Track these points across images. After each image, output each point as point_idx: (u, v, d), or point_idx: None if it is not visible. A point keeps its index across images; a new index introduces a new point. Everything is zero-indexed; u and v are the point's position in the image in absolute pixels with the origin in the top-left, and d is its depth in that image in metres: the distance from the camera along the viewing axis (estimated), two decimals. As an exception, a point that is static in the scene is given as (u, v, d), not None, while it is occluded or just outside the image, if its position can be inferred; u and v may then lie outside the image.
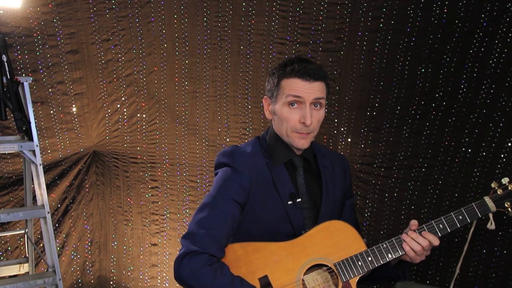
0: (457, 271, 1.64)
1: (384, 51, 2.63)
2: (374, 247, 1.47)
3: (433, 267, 2.59)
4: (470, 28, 2.38)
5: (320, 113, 1.55)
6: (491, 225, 1.55)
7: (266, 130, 1.67)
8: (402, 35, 2.57)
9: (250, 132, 3.02)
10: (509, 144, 2.32)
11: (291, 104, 1.51)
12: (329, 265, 1.45)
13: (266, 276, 1.43)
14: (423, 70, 2.55)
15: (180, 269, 1.39)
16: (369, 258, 1.45)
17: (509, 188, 1.52)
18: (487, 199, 1.51)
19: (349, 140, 2.81)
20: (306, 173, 1.61)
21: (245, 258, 1.46)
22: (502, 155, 2.34)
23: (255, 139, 1.67)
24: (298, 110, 1.51)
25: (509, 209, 1.51)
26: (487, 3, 2.31)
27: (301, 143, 1.54)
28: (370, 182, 2.75)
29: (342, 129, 2.82)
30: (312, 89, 1.50)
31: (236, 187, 1.51)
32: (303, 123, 1.50)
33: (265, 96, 1.62)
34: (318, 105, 1.54)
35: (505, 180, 1.53)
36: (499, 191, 1.52)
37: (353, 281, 1.44)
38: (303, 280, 1.44)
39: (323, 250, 1.46)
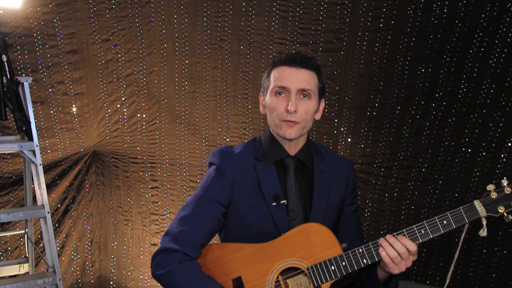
0: (448, 280, 1.52)
1: (384, 51, 2.63)
2: (349, 251, 1.41)
3: (433, 267, 2.59)
4: (470, 28, 2.38)
5: (310, 104, 1.52)
6: (483, 232, 1.40)
7: (264, 132, 1.67)
8: (402, 35, 2.57)
9: (250, 132, 3.02)
10: (509, 144, 2.32)
11: (278, 93, 1.52)
12: (302, 269, 1.43)
13: (239, 278, 1.43)
14: (423, 70, 2.55)
15: (154, 266, 1.43)
16: (343, 263, 1.40)
17: (506, 191, 1.37)
18: (476, 203, 1.38)
19: (349, 140, 2.81)
20: (299, 175, 1.59)
21: (222, 258, 1.47)
22: (502, 155, 2.34)
23: (250, 140, 1.66)
24: (284, 99, 1.50)
25: (505, 214, 1.37)
26: (487, 3, 2.31)
27: (288, 132, 1.51)
28: (370, 182, 2.75)
29: (342, 129, 2.82)
30: (298, 78, 1.49)
31: (219, 188, 1.52)
32: (288, 110, 1.48)
33: (260, 93, 1.63)
34: (307, 96, 1.52)
35: (504, 182, 1.39)
36: (493, 195, 1.38)
37: (326, 286, 1.41)
38: (285, 281, 1.44)
39: (298, 253, 1.43)
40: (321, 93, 1.58)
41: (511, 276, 2.35)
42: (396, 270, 1.40)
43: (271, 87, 1.53)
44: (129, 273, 3.28)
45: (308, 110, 1.51)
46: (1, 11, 2.50)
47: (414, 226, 1.40)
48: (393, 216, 2.71)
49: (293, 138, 1.52)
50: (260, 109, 1.63)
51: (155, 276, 1.43)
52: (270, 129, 1.60)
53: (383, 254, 1.39)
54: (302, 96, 1.51)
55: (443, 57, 2.47)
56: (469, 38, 2.39)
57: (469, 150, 2.45)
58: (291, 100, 1.48)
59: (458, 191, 2.49)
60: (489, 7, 2.31)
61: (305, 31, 2.79)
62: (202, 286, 1.36)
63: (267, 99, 1.55)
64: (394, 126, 2.65)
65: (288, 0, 2.77)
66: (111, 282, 3.30)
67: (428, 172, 2.58)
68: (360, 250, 1.41)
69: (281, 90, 1.50)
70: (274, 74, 1.53)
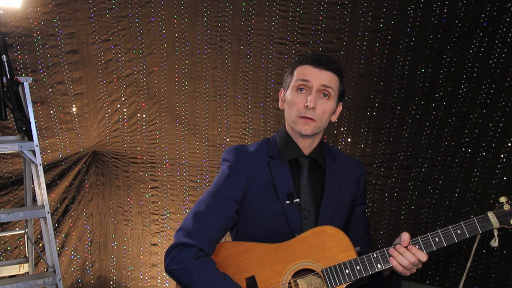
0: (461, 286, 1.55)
1: (384, 51, 2.63)
2: (364, 256, 1.44)
3: (433, 267, 2.59)
4: (470, 28, 2.38)
5: (328, 104, 1.54)
6: (495, 243, 1.45)
7: (279, 130, 1.68)
8: (402, 35, 2.57)
9: (250, 132, 3.02)
10: (509, 144, 2.32)
11: (299, 89, 1.55)
12: (317, 271, 1.43)
13: (253, 277, 1.44)
14: (423, 70, 2.55)
15: (168, 260, 1.44)
16: (358, 267, 1.42)
17: None
18: (490, 214, 1.42)
19: (349, 140, 2.81)
20: (312, 174, 1.60)
21: (235, 257, 1.47)
22: (502, 155, 2.34)
23: (264, 139, 1.69)
24: (305, 95, 1.53)
25: None
26: (487, 3, 2.31)
27: (304, 128, 1.53)
28: (370, 182, 2.75)
29: (342, 129, 2.82)
30: (321, 76, 1.53)
31: (233, 185, 1.54)
32: (307, 106, 1.51)
33: (281, 88, 1.67)
34: (327, 95, 1.54)
35: None
36: (506, 207, 1.42)
37: None
38: (296, 282, 1.44)
39: (312, 254, 1.44)
40: (341, 96, 1.61)
41: (511, 276, 2.35)
42: (408, 273, 1.44)
43: (293, 82, 1.56)
44: (129, 273, 3.28)
45: (325, 109, 1.54)
46: (1, 11, 2.50)
47: (428, 234, 1.43)
48: (393, 216, 2.71)
49: (308, 134, 1.55)
50: (279, 104, 1.67)
51: (169, 270, 1.44)
52: (286, 126, 1.63)
53: (394, 263, 1.42)
54: (322, 95, 1.54)
55: (443, 57, 2.48)
56: (469, 38, 2.39)
57: (469, 150, 2.45)
58: (311, 96, 1.51)
59: (458, 191, 2.49)
60: (489, 7, 2.31)
61: (305, 31, 2.79)
62: (218, 284, 1.37)
63: (288, 94, 1.59)
64: (394, 126, 2.66)
65: (288, 0, 2.77)
66: (111, 282, 3.30)
67: (428, 172, 2.58)
68: (375, 255, 1.43)
69: (303, 85, 1.54)
70: (297, 71, 1.57)
